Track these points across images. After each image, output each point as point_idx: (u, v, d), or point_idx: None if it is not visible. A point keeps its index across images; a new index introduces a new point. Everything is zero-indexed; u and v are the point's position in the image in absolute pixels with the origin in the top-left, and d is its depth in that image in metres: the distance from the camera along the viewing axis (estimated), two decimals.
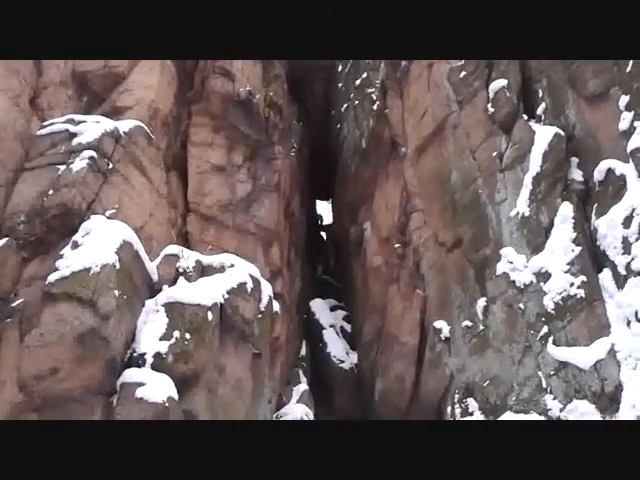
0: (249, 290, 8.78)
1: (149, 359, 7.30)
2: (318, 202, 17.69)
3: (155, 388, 6.96)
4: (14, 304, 7.53)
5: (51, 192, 8.31)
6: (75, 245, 7.71)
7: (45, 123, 9.45)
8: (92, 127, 9.10)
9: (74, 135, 9.04)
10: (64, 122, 9.28)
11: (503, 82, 11.09)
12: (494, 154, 10.78)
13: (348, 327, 13.06)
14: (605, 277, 8.44)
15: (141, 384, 6.97)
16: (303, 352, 12.21)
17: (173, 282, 8.35)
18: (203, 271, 8.75)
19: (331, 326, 12.88)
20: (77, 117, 9.40)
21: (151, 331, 7.53)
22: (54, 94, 10.18)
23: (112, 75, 10.54)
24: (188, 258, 8.73)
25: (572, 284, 8.63)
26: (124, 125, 9.55)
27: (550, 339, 8.60)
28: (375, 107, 13.52)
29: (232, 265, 8.94)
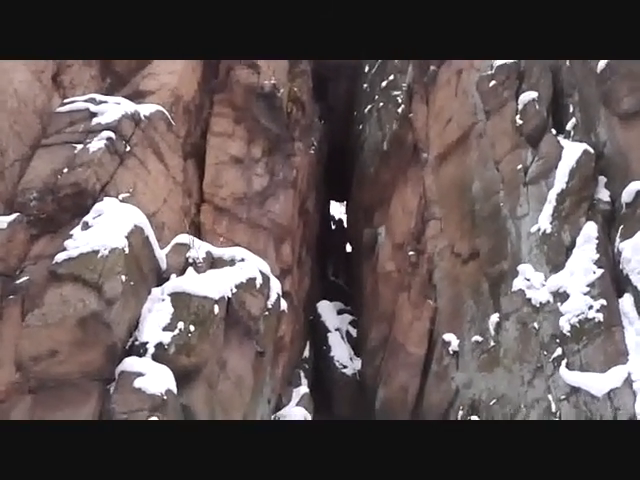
0: (258, 286, 8.60)
1: (151, 349, 7.13)
2: (332, 203, 17.52)
3: (154, 379, 6.78)
4: (19, 281, 7.40)
5: (66, 170, 8.21)
6: (85, 226, 7.57)
7: (66, 100, 9.36)
8: (112, 108, 9.00)
9: (94, 115, 8.94)
10: (85, 101, 9.19)
11: (533, 94, 10.85)
12: (519, 167, 10.52)
13: (354, 332, 12.84)
14: (626, 302, 8.17)
15: (140, 374, 6.80)
16: (306, 354, 12.02)
17: (182, 272, 8.19)
18: (213, 263, 8.58)
19: (337, 329, 12.68)
20: (98, 97, 9.29)
21: (155, 320, 7.37)
22: (77, 73, 10.06)
23: None
24: (199, 249, 8.57)
25: (591, 307, 8.35)
26: (145, 109, 9.44)
27: (563, 362, 8.33)
28: (400, 110, 13.31)
29: (242, 259, 8.77)
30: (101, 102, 9.14)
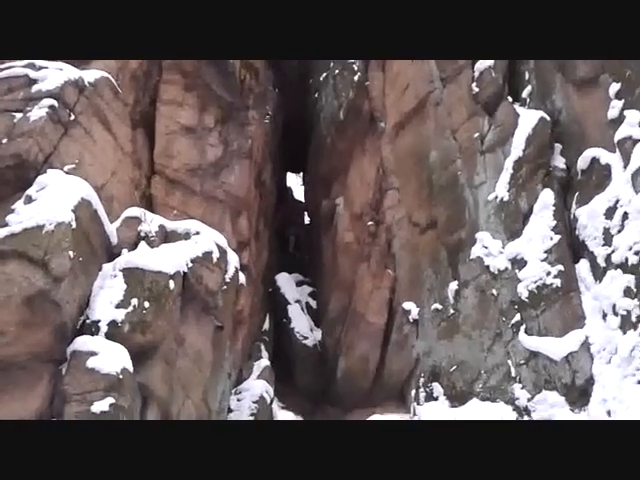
0: (215, 260, 8.34)
1: (103, 327, 6.82)
2: (289, 175, 17.22)
3: (108, 358, 6.50)
4: None
5: (5, 141, 7.68)
6: (29, 200, 7.14)
7: (2, 66, 8.70)
8: (54, 74, 8.44)
9: (34, 81, 8.36)
10: (24, 66, 8.56)
11: (489, 62, 10.78)
12: (475, 135, 10.50)
13: (314, 303, 12.73)
14: (582, 268, 8.31)
15: (93, 353, 6.50)
16: (266, 326, 11.86)
17: (134, 247, 7.84)
18: (167, 237, 8.27)
19: (296, 301, 12.53)
20: (38, 62, 8.68)
21: (107, 297, 7.04)
22: None
23: None
24: (151, 222, 8.22)
25: (548, 273, 8.47)
26: (89, 75, 8.91)
27: (522, 327, 8.46)
28: (356, 78, 13.07)
29: (198, 232, 8.47)
30: (41, 68, 8.55)
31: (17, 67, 8.60)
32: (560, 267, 8.42)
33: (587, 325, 7.84)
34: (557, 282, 8.34)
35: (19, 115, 7.95)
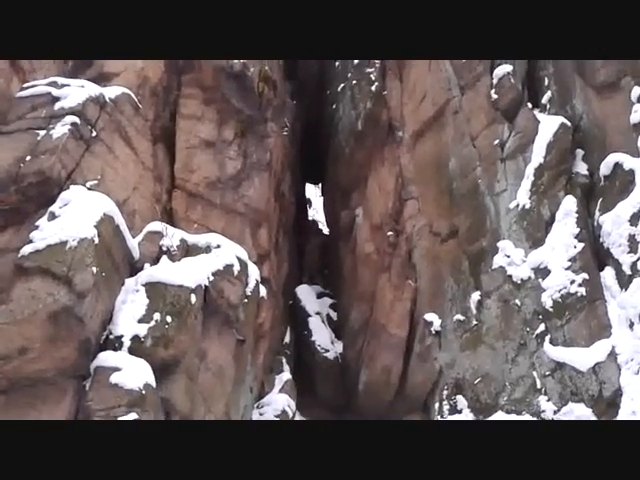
0: (236, 273, 8.36)
1: (126, 342, 6.85)
2: (308, 185, 17.23)
3: (131, 374, 6.52)
4: None
5: (29, 158, 7.78)
6: (52, 216, 7.23)
7: (26, 85, 8.88)
8: (76, 91, 8.57)
9: (57, 99, 8.50)
10: (46, 85, 8.73)
11: (508, 68, 10.71)
12: (495, 142, 10.42)
13: (334, 315, 12.64)
14: (607, 276, 8.17)
15: (117, 369, 6.53)
16: (287, 339, 11.81)
17: (155, 261, 7.89)
18: (188, 251, 8.31)
19: (317, 313, 12.46)
20: (61, 80, 8.84)
21: (130, 312, 7.09)
22: None
23: None
24: (172, 236, 8.27)
25: (573, 281, 8.34)
26: (110, 92, 9.04)
27: (547, 338, 8.32)
28: (373, 88, 13.06)
29: (218, 246, 8.50)
30: (64, 85, 8.71)
31: (40, 85, 8.78)
32: (585, 275, 8.28)
33: (614, 335, 7.68)
34: (582, 291, 8.20)
35: (42, 133, 8.08)
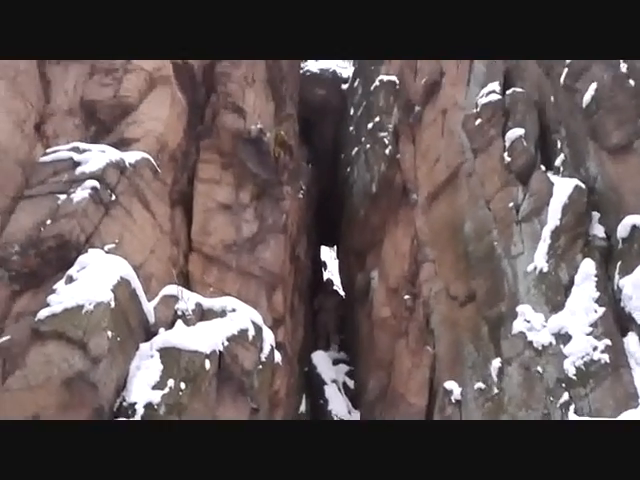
0: (250, 338, 8.27)
1: (140, 410, 6.73)
2: (323, 248, 17.26)
3: None
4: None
5: (49, 222, 7.94)
6: (69, 280, 7.26)
7: (49, 150, 9.14)
8: (97, 156, 8.79)
9: (78, 164, 8.72)
10: (68, 150, 8.99)
11: (520, 131, 10.81)
12: (510, 205, 10.39)
13: (351, 383, 12.34)
14: (631, 342, 7.92)
15: None
16: (303, 408, 11.53)
17: (171, 325, 7.86)
18: (203, 315, 8.27)
19: (333, 381, 12.18)
20: (82, 145, 9.09)
21: (144, 378, 6.99)
22: (61, 122, 9.87)
23: (121, 105, 10.23)
24: (188, 300, 8.25)
25: (595, 348, 8.09)
26: (130, 156, 9.24)
27: (571, 407, 8.00)
28: (387, 152, 13.25)
29: (233, 310, 8.46)
30: (85, 151, 8.94)
31: (62, 151, 9.03)
32: (607, 341, 8.05)
33: None
34: (605, 357, 7.94)
35: (63, 197, 8.24)
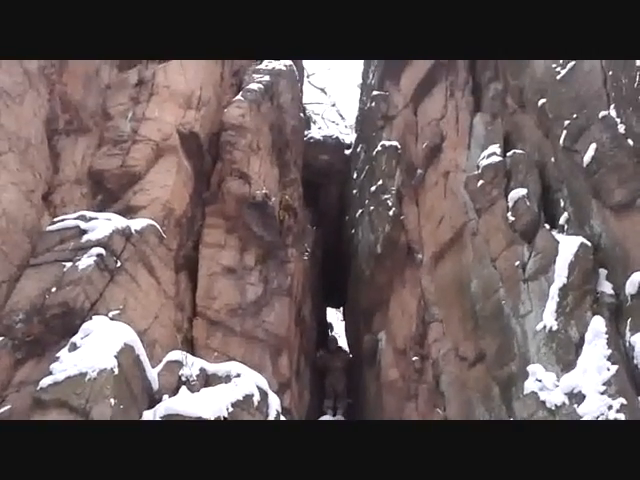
0: (255, 403, 8.10)
1: None
2: (329, 310, 17.16)
3: None
4: (0, 412, 6.90)
5: (54, 290, 7.96)
6: (73, 347, 7.23)
7: (56, 219, 9.28)
8: (103, 224, 8.91)
9: (84, 232, 8.82)
10: (75, 218, 9.11)
11: (522, 191, 10.90)
12: (516, 263, 10.36)
13: None
14: None
15: None
16: None
17: (175, 391, 7.72)
18: (207, 380, 8.15)
19: None
20: (89, 214, 9.23)
21: None
22: (68, 191, 10.07)
23: (128, 174, 10.46)
24: (192, 366, 8.15)
25: (610, 407, 7.86)
26: (136, 223, 9.36)
27: None
28: (391, 213, 13.36)
29: (238, 375, 8.34)
30: (91, 219, 9.07)
31: (69, 219, 9.15)
32: (622, 400, 7.82)
33: None
34: (620, 417, 7.71)
35: (68, 264, 8.29)
